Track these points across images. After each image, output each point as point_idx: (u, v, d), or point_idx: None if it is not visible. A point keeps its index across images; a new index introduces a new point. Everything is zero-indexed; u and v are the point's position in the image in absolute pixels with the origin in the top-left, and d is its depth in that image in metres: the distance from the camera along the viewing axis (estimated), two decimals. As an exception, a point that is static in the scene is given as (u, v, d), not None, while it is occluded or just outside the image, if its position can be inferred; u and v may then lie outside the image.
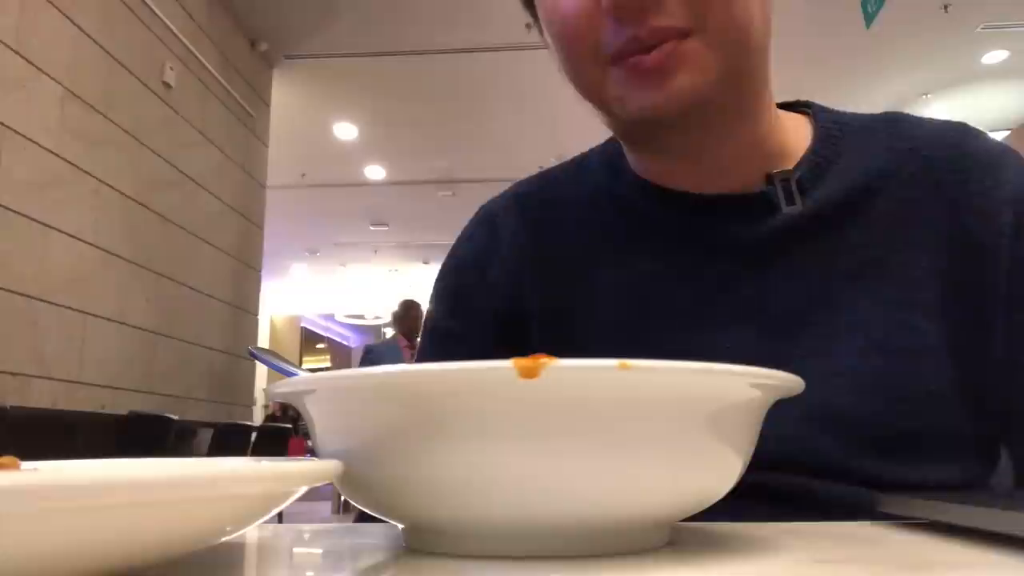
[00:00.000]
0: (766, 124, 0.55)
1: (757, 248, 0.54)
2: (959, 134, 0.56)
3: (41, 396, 2.86)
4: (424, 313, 0.72)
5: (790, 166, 0.55)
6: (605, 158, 0.63)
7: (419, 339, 0.68)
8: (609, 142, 0.64)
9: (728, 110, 0.52)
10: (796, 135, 0.57)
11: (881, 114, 0.59)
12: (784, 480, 0.48)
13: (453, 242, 0.68)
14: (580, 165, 0.65)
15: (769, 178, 0.54)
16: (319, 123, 6.21)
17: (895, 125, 0.57)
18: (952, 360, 0.50)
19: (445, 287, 0.66)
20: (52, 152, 2.95)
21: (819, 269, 0.53)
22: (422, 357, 0.66)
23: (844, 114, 0.59)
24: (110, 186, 3.34)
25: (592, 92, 0.52)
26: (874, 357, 0.50)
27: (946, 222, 0.52)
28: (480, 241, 0.65)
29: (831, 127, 0.57)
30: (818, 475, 0.48)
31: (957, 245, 0.52)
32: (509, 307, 0.61)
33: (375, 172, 7.22)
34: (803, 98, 0.62)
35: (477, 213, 0.67)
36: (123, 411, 3.05)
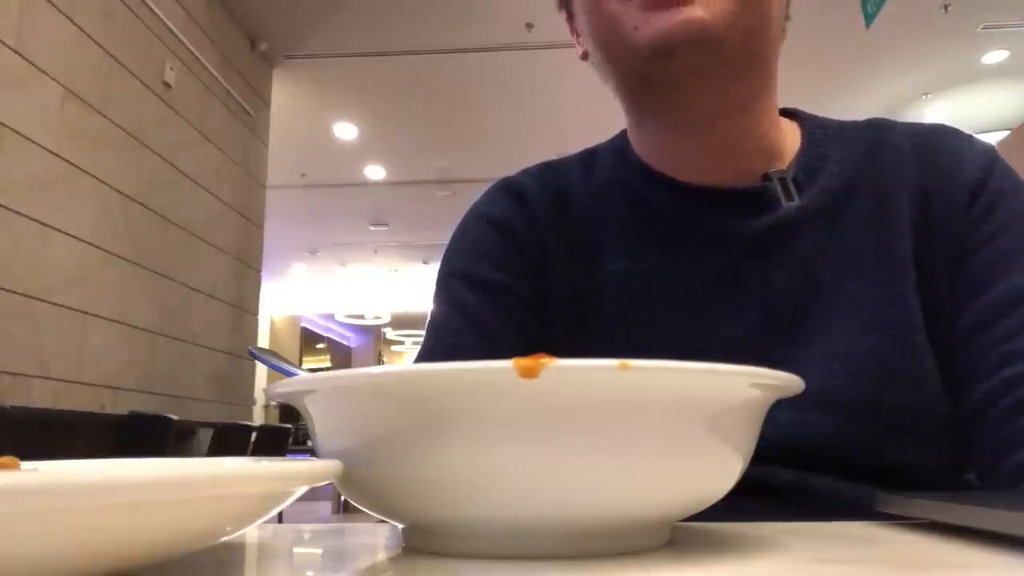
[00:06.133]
0: (768, 121, 0.59)
1: (758, 240, 0.57)
2: (930, 131, 0.61)
3: (41, 396, 2.85)
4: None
5: (783, 165, 0.59)
6: (614, 151, 0.65)
7: (445, 295, 0.62)
8: (617, 137, 0.66)
9: (736, 71, 0.54)
10: (789, 137, 0.61)
11: (862, 120, 0.64)
12: (777, 472, 0.49)
13: (465, 218, 0.66)
14: (589, 157, 0.67)
15: (766, 176, 0.58)
16: (319, 123, 6.20)
17: (875, 128, 0.62)
18: (930, 340, 0.53)
19: (483, 243, 0.63)
20: (52, 152, 2.95)
21: (815, 259, 0.56)
22: (463, 307, 0.60)
23: (829, 120, 0.64)
24: (110, 186, 3.34)
25: (608, 24, 0.54)
26: (867, 337, 0.53)
27: (916, 208, 0.56)
28: (508, 205, 0.64)
29: (817, 132, 0.62)
30: (813, 458, 0.50)
31: (923, 229, 0.56)
32: (539, 271, 0.60)
33: (375, 172, 7.21)
34: (803, 97, 0.65)
35: (494, 186, 0.67)
36: (123, 411, 3.04)
